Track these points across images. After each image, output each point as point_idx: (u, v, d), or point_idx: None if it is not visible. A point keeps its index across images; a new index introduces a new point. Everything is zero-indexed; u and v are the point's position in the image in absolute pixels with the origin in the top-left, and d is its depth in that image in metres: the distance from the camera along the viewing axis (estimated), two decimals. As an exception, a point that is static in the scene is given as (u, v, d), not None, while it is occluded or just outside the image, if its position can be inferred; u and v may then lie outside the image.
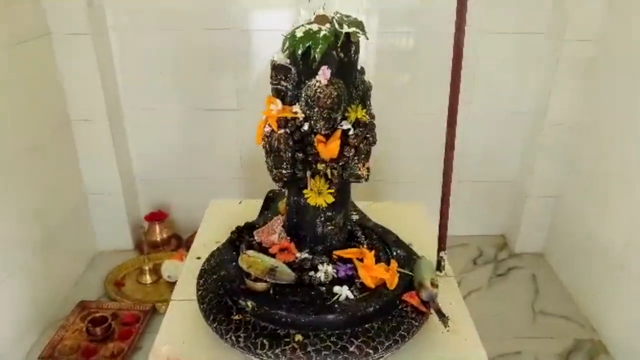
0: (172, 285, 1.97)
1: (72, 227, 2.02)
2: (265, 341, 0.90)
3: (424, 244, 1.19)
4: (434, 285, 1.00)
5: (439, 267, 1.15)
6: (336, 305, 0.94)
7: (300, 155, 0.89)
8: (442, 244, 1.17)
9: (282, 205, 1.22)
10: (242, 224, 1.21)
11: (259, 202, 1.40)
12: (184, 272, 1.26)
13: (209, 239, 1.36)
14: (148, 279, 2.02)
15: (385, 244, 1.13)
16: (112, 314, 1.80)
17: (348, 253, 1.02)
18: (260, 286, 0.95)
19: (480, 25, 1.95)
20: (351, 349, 0.89)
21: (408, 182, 2.20)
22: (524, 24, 1.97)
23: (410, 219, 1.40)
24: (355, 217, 1.22)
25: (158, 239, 2.20)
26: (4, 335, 1.57)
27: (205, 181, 2.22)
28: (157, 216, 2.19)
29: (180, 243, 2.26)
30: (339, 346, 0.90)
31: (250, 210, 1.37)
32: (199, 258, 1.29)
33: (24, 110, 1.66)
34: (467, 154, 2.20)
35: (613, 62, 1.79)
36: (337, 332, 0.92)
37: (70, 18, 1.78)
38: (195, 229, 2.27)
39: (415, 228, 1.32)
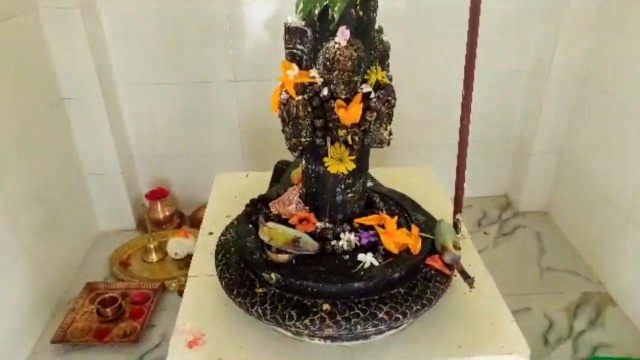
0: (178, 262, 1.98)
1: (73, 208, 1.98)
2: (293, 312, 0.89)
3: (438, 208, 1.18)
4: (457, 247, 0.99)
5: (456, 229, 1.14)
6: (362, 273, 0.92)
7: (320, 121, 0.86)
8: (458, 207, 1.16)
9: (295, 175, 1.20)
10: (250, 197, 1.18)
11: (266, 174, 1.37)
12: (198, 248, 1.24)
13: (218, 213, 1.34)
14: (154, 257, 2.00)
15: (403, 209, 1.11)
16: (121, 294, 1.78)
17: (369, 220, 1.00)
18: (283, 258, 0.93)
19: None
20: (380, 315, 0.88)
21: (410, 144, 2.18)
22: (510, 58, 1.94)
23: (421, 183, 1.38)
24: (369, 183, 1.20)
25: (160, 216, 2.17)
26: (13, 320, 1.55)
27: (205, 156, 2.18)
28: (158, 193, 2.16)
29: (182, 220, 2.24)
30: (367, 313, 0.88)
31: (258, 182, 1.35)
32: (211, 233, 1.27)
33: (13, 90, 1.59)
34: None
35: (621, 14, 1.76)
36: (364, 299, 0.90)
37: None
38: (197, 205, 2.28)
39: (427, 192, 1.30)
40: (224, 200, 1.39)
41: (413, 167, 1.49)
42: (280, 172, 1.32)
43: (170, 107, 2.07)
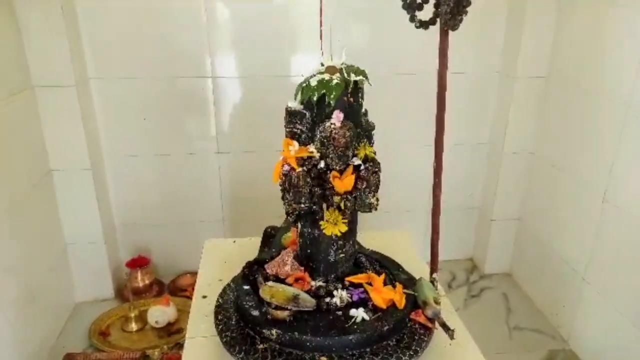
0: (159, 330, 1.98)
1: (52, 280, 1.98)
2: (293, 365, 0.96)
3: (416, 269, 1.30)
4: (437, 302, 1.11)
5: (433, 284, 1.26)
6: (355, 327, 1.02)
7: (318, 190, 0.99)
8: (434, 266, 1.29)
9: (286, 239, 1.30)
10: (239, 262, 1.26)
11: (252, 241, 1.46)
12: (192, 311, 1.29)
13: (211, 277, 1.40)
14: (134, 326, 2.00)
15: (387, 268, 1.22)
16: (102, 364, 1.77)
17: (359, 278, 1.11)
18: (283, 314, 1.02)
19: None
20: (372, 362, 0.97)
21: (386, 211, 2.33)
22: (479, 64, 2.19)
23: (398, 246, 1.50)
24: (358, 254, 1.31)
25: (140, 285, 2.19)
26: None
27: (186, 224, 2.25)
28: (139, 262, 2.19)
29: (162, 288, 2.26)
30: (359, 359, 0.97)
31: (246, 247, 1.43)
32: (204, 297, 1.33)
33: (3, 163, 1.64)
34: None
35: (559, 96, 2.02)
36: (358, 351, 0.99)
37: (53, 70, 1.82)
38: (177, 273, 2.31)
39: (405, 254, 1.42)
40: (215, 265, 1.47)
41: (391, 230, 1.62)
42: (269, 237, 1.41)
43: (153, 177, 2.17)
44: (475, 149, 2.34)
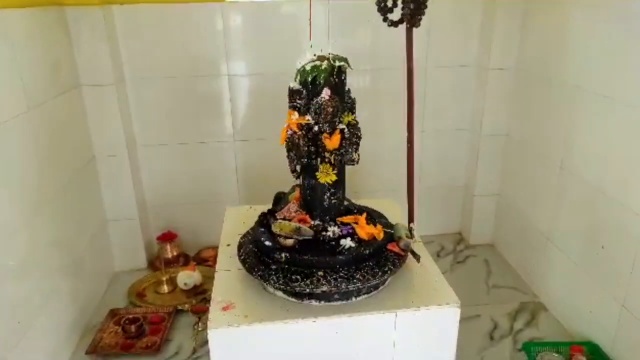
0: (187, 292, 2.33)
1: (94, 251, 2.32)
2: (298, 277, 1.30)
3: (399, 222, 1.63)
4: (409, 237, 1.44)
5: (411, 234, 1.58)
6: (344, 251, 1.35)
7: (312, 148, 1.33)
8: (411, 217, 1.62)
9: (292, 197, 1.63)
10: (254, 222, 1.61)
11: (264, 206, 1.78)
12: (219, 254, 1.64)
13: (231, 233, 1.74)
14: (165, 288, 2.35)
15: (371, 216, 1.56)
16: (141, 316, 2.11)
17: (347, 219, 1.44)
18: (289, 242, 1.36)
19: (425, 63, 2.49)
20: (357, 276, 1.30)
21: (376, 192, 2.66)
22: (458, 59, 2.52)
23: (386, 209, 1.82)
24: (346, 203, 1.65)
25: (169, 256, 2.54)
26: (51, 341, 1.84)
27: (208, 203, 2.60)
28: (168, 236, 2.54)
29: (187, 260, 2.60)
30: (348, 276, 1.30)
31: (260, 212, 1.74)
32: (228, 245, 1.68)
33: (57, 150, 1.98)
34: (424, 166, 2.70)
35: (530, 84, 2.35)
36: (345, 268, 1.33)
37: (98, 72, 2.18)
38: (200, 247, 2.65)
39: (391, 213, 1.75)
40: (235, 224, 1.81)
41: (380, 199, 1.94)
42: (279, 199, 1.75)
43: (178, 162, 2.52)
44: (457, 134, 2.67)
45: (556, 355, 1.84)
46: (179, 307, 2.19)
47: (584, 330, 1.97)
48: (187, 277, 2.32)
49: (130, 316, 2.09)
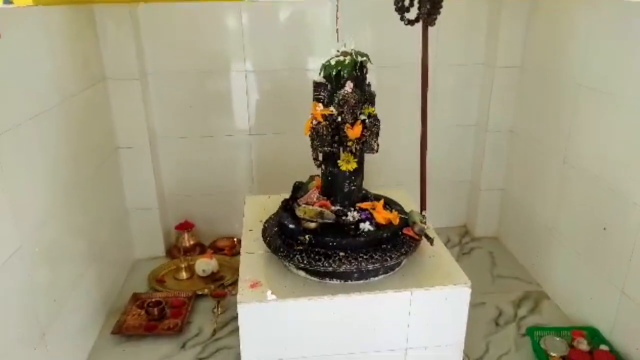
0: (205, 279, 2.43)
1: (116, 239, 2.43)
2: (321, 257, 1.40)
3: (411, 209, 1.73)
4: (422, 222, 1.54)
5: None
6: (363, 234, 1.46)
7: (336, 137, 1.43)
8: (423, 205, 1.72)
9: (311, 185, 1.74)
10: (272, 210, 1.71)
11: (283, 196, 1.87)
12: (244, 239, 1.74)
13: (253, 220, 1.85)
14: (184, 275, 2.45)
15: (387, 203, 1.66)
16: (163, 300, 2.21)
17: (366, 205, 1.54)
18: (312, 225, 1.46)
19: (433, 61, 2.58)
20: (375, 257, 1.41)
21: (386, 186, 2.75)
22: (467, 57, 2.62)
23: (398, 198, 1.93)
24: (364, 192, 1.75)
25: (187, 245, 2.64)
26: (78, 322, 1.93)
27: (223, 195, 2.70)
28: (186, 226, 2.64)
29: (203, 249, 2.70)
30: (367, 256, 1.41)
31: (278, 201, 1.80)
32: (251, 230, 1.78)
33: (83, 141, 2.06)
34: (432, 160, 2.79)
35: (534, 82, 2.45)
36: (365, 249, 1.43)
37: (123, 67, 2.28)
38: (215, 237, 2.75)
39: (403, 202, 1.85)
40: (255, 212, 1.91)
41: (392, 189, 2.04)
42: (297, 188, 1.85)
43: (196, 155, 2.62)
44: (464, 130, 2.77)
45: (558, 339, 1.94)
46: (199, 292, 2.30)
47: (584, 316, 2.07)
48: (205, 264, 2.43)
49: (153, 300, 2.19)
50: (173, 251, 2.65)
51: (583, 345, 1.88)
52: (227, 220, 2.73)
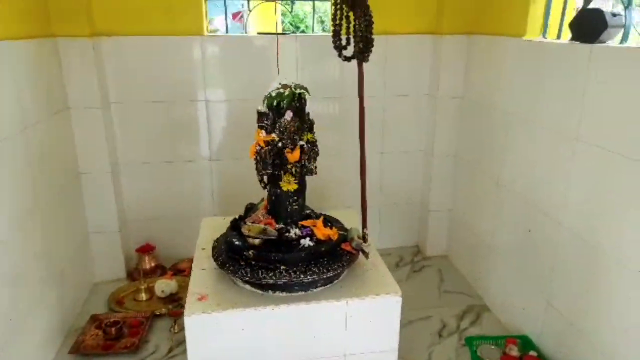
0: (164, 299, 2.51)
1: (76, 262, 2.48)
2: (263, 271, 1.53)
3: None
4: (359, 238, 1.69)
5: (364, 238, 1.83)
6: (303, 248, 1.59)
7: (277, 161, 1.58)
8: (364, 223, 1.87)
9: (261, 206, 1.87)
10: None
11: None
12: (196, 256, 1.85)
13: (207, 239, 1.96)
14: (144, 296, 2.52)
15: (328, 220, 1.80)
16: (121, 320, 2.28)
17: (307, 222, 1.68)
18: (257, 241, 1.59)
19: (383, 92, 2.79)
20: (313, 269, 1.54)
21: (340, 207, 2.91)
22: (413, 88, 2.83)
23: (345, 218, 2.07)
24: (308, 211, 1.90)
25: (147, 267, 2.71)
26: (37, 342, 1.99)
27: (185, 219, 2.80)
28: (146, 248, 2.72)
29: (164, 271, 2.78)
30: (306, 269, 1.54)
31: None
32: (203, 249, 1.90)
33: (45, 166, 2.16)
34: (384, 184, 2.97)
35: (473, 111, 2.66)
36: (304, 262, 1.56)
37: (84, 96, 2.40)
38: (177, 259, 2.85)
39: (350, 221, 1.99)
40: (210, 232, 2.02)
41: (343, 210, 2.18)
42: (249, 209, 1.98)
43: (158, 180, 2.72)
44: (413, 155, 2.96)
45: (493, 347, 2.10)
46: (157, 312, 2.37)
47: (518, 325, 2.23)
48: (165, 285, 2.51)
49: (111, 320, 2.26)
50: (134, 274, 2.72)
51: (514, 351, 2.03)
52: (189, 243, 2.77)
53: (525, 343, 2.10)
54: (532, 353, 2.01)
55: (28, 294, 1.94)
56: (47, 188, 2.16)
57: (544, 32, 2.16)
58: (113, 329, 2.20)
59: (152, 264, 2.75)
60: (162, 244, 2.82)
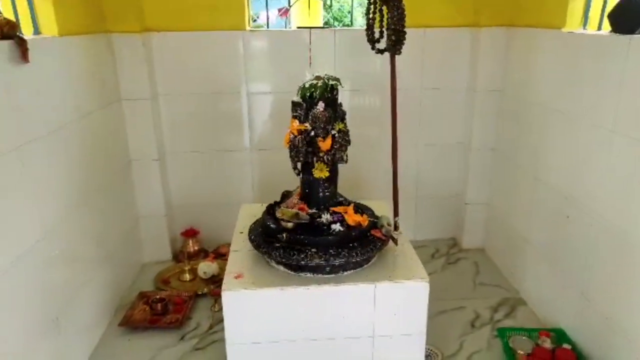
0: (206, 281, 2.65)
1: (126, 244, 2.67)
2: (295, 252, 1.61)
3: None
4: (389, 225, 1.74)
5: (396, 227, 1.88)
6: (334, 233, 1.66)
7: (310, 149, 1.65)
8: (396, 211, 1.92)
9: (295, 193, 1.96)
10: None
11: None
12: (233, 239, 1.96)
13: (245, 224, 2.06)
14: (187, 277, 2.67)
15: (359, 208, 1.86)
16: (166, 297, 2.43)
17: (338, 209, 1.76)
18: (290, 225, 1.67)
19: (420, 85, 2.81)
20: (343, 253, 1.61)
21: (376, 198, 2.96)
22: (450, 81, 2.84)
23: (378, 208, 2.12)
24: (341, 199, 1.96)
25: (191, 250, 2.87)
26: (90, 316, 2.17)
27: (226, 205, 2.93)
28: (191, 232, 2.87)
29: (207, 254, 2.93)
30: (336, 252, 1.61)
31: None
32: (241, 232, 2.00)
33: (100, 154, 2.34)
34: (421, 176, 3.00)
35: (511, 104, 2.64)
36: (334, 246, 1.63)
37: (136, 88, 2.56)
38: (218, 244, 2.99)
39: (381, 212, 2.05)
40: (248, 217, 2.13)
41: (376, 200, 2.23)
42: (285, 196, 2.07)
43: (202, 168, 2.86)
44: (451, 148, 2.96)
45: (525, 338, 2.10)
46: (199, 292, 2.51)
47: (554, 319, 2.22)
48: (207, 267, 2.65)
49: (157, 297, 2.41)
50: (179, 256, 2.88)
51: (547, 343, 2.03)
52: (229, 228, 2.93)
53: (560, 336, 2.09)
54: (566, 346, 2.00)
55: (83, 270, 2.11)
56: (101, 174, 2.33)
57: (584, 23, 2.12)
58: (159, 305, 2.35)
59: (196, 247, 2.90)
60: (204, 229, 2.96)
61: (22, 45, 1.61)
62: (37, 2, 1.99)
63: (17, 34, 1.61)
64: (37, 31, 2.01)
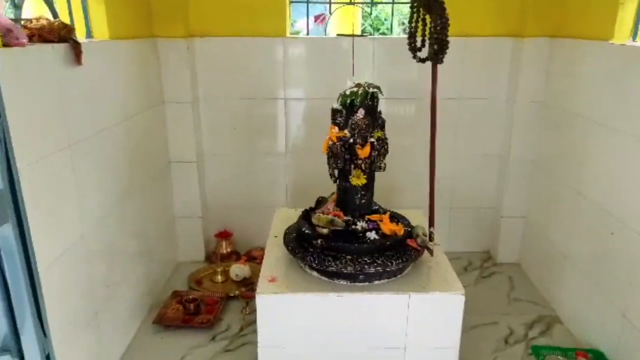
0: (238, 283, 2.68)
1: (163, 242, 2.73)
2: (330, 259, 1.62)
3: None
4: (425, 235, 1.73)
5: (431, 237, 1.86)
6: (369, 241, 1.66)
7: (348, 156, 1.66)
8: (431, 222, 1.90)
9: (331, 199, 1.96)
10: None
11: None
12: (268, 244, 1.98)
13: (279, 228, 2.08)
14: (219, 278, 2.71)
15: (395, 217, 1.86)
16: (199, 298, 2.48)
17: (374, 216, 1.75)
18: (325, 231, 1.68)
19: (459, 94, 2.78)
20: (378, 261, 1.60)
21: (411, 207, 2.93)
22: (490, 91, 2.80)
23: (413, 218, 2.11)
24: (376, 207, 1.96)
25: (224, 252, 2.91)
26: (125, 313, 2.23)
27: (260, 208, 2.96)
28: (225, 234, 2.92)
29: (239, 256, 2.96)
30: (371, 261, 1.61)
31: None
32: (276, 236, 2.02)
33: (142, 155, 2.40)
34: (457, 187, 2.96)
35: (553, 116, 2.59)
36: (369, 254, 1.63)
37: (178, 91, 2.63)
38: (250, 247, 3.02)
39: (416, 222, 2.03)
40: (283, 221, 2.15)
41: (412, 209, 2.21)
42: (320, 201, 2.08)
43: (238, 171, 2.91)
44: (487, 159, 2.92)
45: (560, 358, 2.04)
46: (230, 294, 2.55)
47: (592, 339, 2.15)
48: (239, 269, 2.68)
49: (190, 297, 2.46)
50: (212, 257, 2.93)
51: (584, 365, 1.97)
52: (262, 232, 2.96)
53: (597, 358, 2.02)
54: (604, 368, 1.94)
55: (122, 266, 2.17)
56: (142, 174, 2.40)
57: (634, 35, 2.06)
58: (192, 304, 2.39)
59: (229, 250, 2.94)
60: (238, 231, 3.00)
61: (76, 49, 1.68)
62: (91, 7, 2.07)
63: (72, 37, 1.69)
64: (89, 35, 2.09)
